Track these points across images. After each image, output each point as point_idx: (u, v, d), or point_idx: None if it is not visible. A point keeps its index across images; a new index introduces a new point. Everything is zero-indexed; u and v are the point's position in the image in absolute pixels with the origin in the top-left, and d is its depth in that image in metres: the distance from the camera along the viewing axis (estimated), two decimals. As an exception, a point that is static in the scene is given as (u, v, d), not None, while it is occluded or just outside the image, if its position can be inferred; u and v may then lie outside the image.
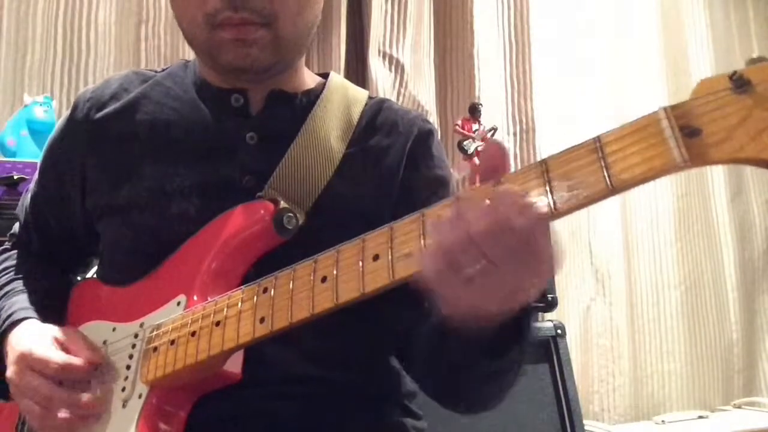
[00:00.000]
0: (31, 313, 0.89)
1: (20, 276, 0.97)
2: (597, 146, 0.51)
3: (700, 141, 0.48)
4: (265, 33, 0.82)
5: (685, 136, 0.48)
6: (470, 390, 0.78)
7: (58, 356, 0.79)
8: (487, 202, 0.53)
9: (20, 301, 0.91)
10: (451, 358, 0.69)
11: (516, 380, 0.75)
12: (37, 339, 0.81)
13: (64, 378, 0.78)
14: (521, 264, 0.53)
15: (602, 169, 0.49)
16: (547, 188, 0.53)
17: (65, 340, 0.82)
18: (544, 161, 0.54)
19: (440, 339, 0.68)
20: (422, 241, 0.58)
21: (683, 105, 0.49)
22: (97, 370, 0.83)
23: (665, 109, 0.49)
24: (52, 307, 0.93)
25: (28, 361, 0.79)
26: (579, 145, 0.52)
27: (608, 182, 0.49)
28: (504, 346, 0.65)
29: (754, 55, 0.49)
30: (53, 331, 0.83)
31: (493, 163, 0.57)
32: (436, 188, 0.91)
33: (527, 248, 0.52)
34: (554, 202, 0.52)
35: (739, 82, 0.47)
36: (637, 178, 0.49)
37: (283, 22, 0.83)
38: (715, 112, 0.48)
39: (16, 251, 1.03)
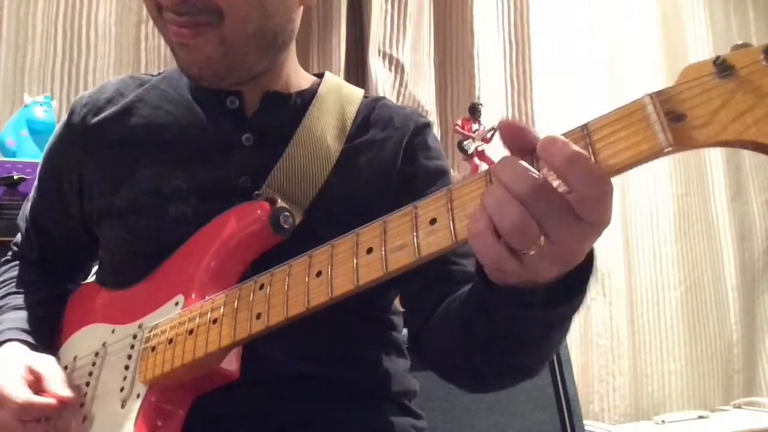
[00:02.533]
0: (18, 334, 0.88)
1: (19, 289, 0.97)
2: (584, 133, 0.51)
3: (685, 125, 0.48)
4: (211, 37, 0.81)
5: (671, 120, 0.48)
6: (518, 353, 0.71)
7: (21, 395, 0.77)
8: (523, 163, 0.50)
9: (8, 320, 0.90)
10: (493, 320, 0.64)
11: (562, 340, 0.70)
12: (6, 373, 0.80)
13: (27, 416, 0.77)
14: (568, 223, 0.50)
15: (590, 155, 0.50)
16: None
17: (40, 372, 0.80)
18: (532, 151, 0.54)
19: (478, 304, 0.65)
20: (415, 233, 0.58)
21: (668, 91, 0.49)
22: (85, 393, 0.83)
23: (651, 95, 0.50)
24: (49, 319, 0.94)
25: None
26: (567, 133, 0.52)
27: None
28: (560, 297, 0.60)
29: (739, 42, 0.50)
30: (29, 361, 0.82)
31: (513, 141, 0.53)
32: (436, 179, 0.91)
33: (571, 205, 0.49)
34: None
35: (723, 67, 0.48)
36: (624, 163, 0.49)
37: (230, 23, 0.80)
38: (699, 97, 0.48)
39: (17, 262, 1.03)
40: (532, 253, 0.51)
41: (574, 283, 0.59)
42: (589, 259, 0.58)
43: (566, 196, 0.49)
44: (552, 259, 0.52)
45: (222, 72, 0.85)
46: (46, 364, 0.83)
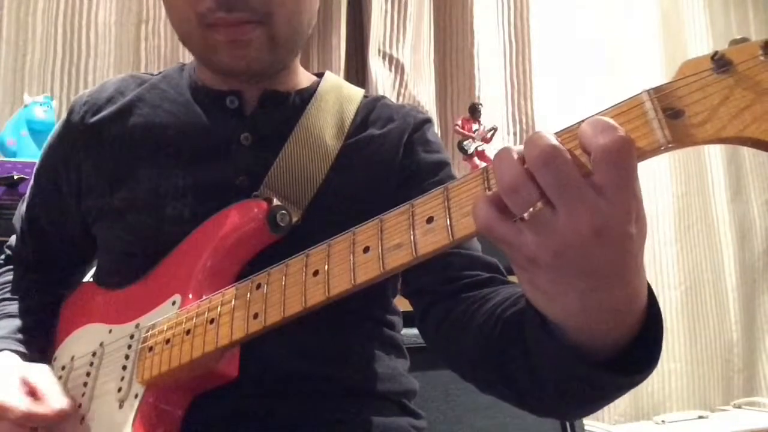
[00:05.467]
0: (11, 343, 0.87)
1: (14, 296, 0.97)
2: None
3: (683, 122, 0.47)
4: (261, 33, 0.82)
5: (668, 117, 0.47)
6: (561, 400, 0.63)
7: (22, 404, 0.76)
8: (541, 132, 0.47)
9: (2, 329, 0.90)
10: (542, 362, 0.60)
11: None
12: (3, 384, 0.78)
13: (28, 425, 0.76)
14: (578, 191, 0.45)
15: (586, 153, 0.48)
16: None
17: (35, 384, 0.79)
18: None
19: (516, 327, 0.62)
20: (412, 232, 0.58)
21: (666, 87, 0.49)
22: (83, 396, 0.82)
23: (648, 91, 0.49)
24: (43, 326, 0.93)
25: None
26: (564, 129, 0.51)
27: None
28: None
29: (737, 37, 0.49)
30: (24, 373, 0.81)
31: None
32: (438, 170, 0.91)
33: (585, 181, 0.45)
34: None
35: (721, 63, 0.47)
36: None
37: (278, 21, 0.82)
38: (697, 93, 0.47)
39: (11, 267, 1.03)
40: (526, 216, 0.47)
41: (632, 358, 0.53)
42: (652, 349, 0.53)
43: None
44: (558, 235, 0.46)
45: (267, 68, 0.87)
46: (40, 375, 0.82)
